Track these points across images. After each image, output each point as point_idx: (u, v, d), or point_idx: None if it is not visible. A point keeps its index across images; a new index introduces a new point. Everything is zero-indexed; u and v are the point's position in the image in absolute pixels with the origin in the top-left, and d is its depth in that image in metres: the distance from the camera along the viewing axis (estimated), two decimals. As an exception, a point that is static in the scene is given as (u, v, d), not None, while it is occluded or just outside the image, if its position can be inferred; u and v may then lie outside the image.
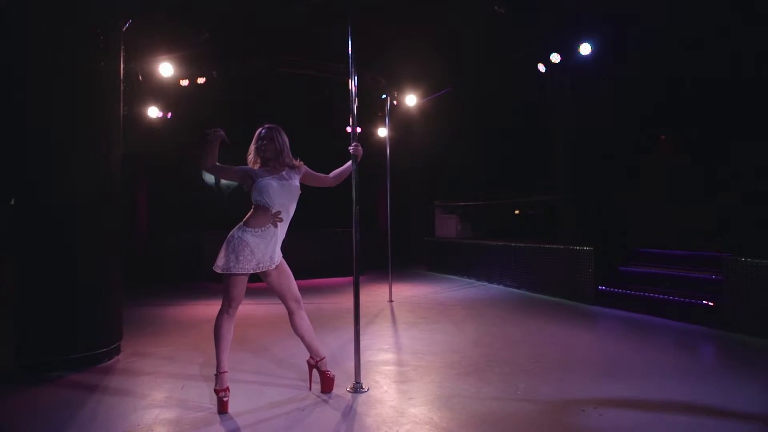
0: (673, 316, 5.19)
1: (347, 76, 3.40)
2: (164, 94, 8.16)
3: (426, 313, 5.80)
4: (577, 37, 6.26)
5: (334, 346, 4.30)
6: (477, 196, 9.69)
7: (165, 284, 8.46)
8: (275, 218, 2.92)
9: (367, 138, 11.37)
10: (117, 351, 4.00)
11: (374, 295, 7.20)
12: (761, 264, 4.45)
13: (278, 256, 3.02)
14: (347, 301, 6.74)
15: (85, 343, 3.68)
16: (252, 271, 2.90)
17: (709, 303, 4.94)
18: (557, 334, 4.74)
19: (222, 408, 2.81)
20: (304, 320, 3.14)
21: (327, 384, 3.14)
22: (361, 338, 3.38)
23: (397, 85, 9.02)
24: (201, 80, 7.51)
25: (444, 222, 10.10)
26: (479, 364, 3.74)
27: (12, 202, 8.75)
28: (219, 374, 2.87)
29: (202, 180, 11.88)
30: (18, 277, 3.66)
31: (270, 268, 2.96)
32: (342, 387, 3.23)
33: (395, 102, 9.37)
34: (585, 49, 6.16)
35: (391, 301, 6.64)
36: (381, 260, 10.63)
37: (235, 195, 12.13)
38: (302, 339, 3.16)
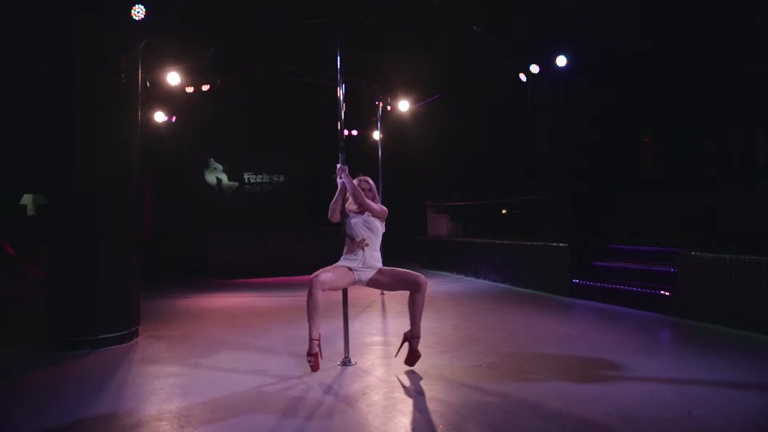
0: (637, 306, 5.71)
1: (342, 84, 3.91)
2: (170, 100, 8.66)
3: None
4: (553, 50, 6.80)
5: (326, 331, 4.81)
6: (466, 197, 10.22)
7: (172, 279, 8.96)
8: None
9: (362, 141, 11.92)
10: (136, 334, 4.51)
11: (367, 289, 7.69)
12: (708, 258, 4.97)
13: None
14: (340, 293, 7.23)
15: (109, 324, 4.20)
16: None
17: (666, 293, 5.46)
18: (530, 320, 5.26)
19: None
20: (415, 301, 3.60)
21: (411, 359, 3.56)
22: (353, 324, 3.91)
23: (390, 92, 9.54)
24: (205, 87, 8.03)
25: (435, 221, 10.62)
26: (455, 344, 4.27)
27: (29, 211, 9.28)
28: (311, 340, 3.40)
29: (204, 181, 12.40)
30: (50, 263, 4.18)
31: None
32: (333, 361, 3.75)
33: (389, 108, 9.88)
34: (561, 60, 6.70)
35: (382, 294, 7.15)
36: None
37: (237, 195, 12.67)
38: (409, 313, 3.65)
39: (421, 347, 4.12)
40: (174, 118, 9.94)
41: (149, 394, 3.11)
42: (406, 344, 3.66)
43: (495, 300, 6.59)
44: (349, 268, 3.56)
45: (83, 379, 3.44)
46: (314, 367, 3.37)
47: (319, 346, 3.42)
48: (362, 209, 3.66)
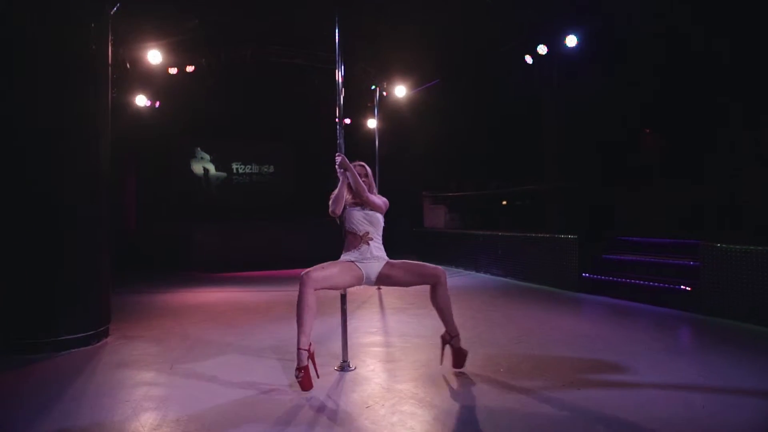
0: (653, 302, 5.33)
1: (335, 66, 3.45)
2: (152, 82, 8.12)
3: (413, 300, 5.88)
4: (563, 29, 6.35)
5: (320, 330, 4.37)
6: (465, 187, 9.79)
7: (153, 272, 8.44)
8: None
9: (356, 129, 11.43)
10: (105, 334, 4.03)
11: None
12: (735, 250, 4.58)
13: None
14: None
15: (73, 323, 3.70)
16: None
17: (687, 288, 5.08)
18: (540, 317, 4.86)
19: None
20: (439, 296, 3.17)
21: (458, 360, 3.18)
22: (350, 322, 3.46)
23: (386, 76, 9.06)
24: (190, 68, 7.48)
25: (432, 212, 10.19)
26: (464, 345, 3.83)
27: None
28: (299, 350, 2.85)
29: (190, 170, 11.85)
30: (1, 256, 3.66)
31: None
32: (329, 366, 3.30)
33: (385, 93, 9.41)
34: (571, 41, 6.26)
35: (379, 288, 6.71)
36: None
37: (224, 186, 12.13)
38: (438, 313, 3.23)
39: (426, 348, 3.71)
40: (157, 103, 9.39)
41: (115, 407, 2.64)
42: (448, 347, 3.27)
43: (499, 295, 6.19)
44: (352, 262, 3.09)
45: (35, 390, 2.96)
46: (305, 385, 2.77)
47: (311, 358, 2.88)
48: (362, 202, 3.23)
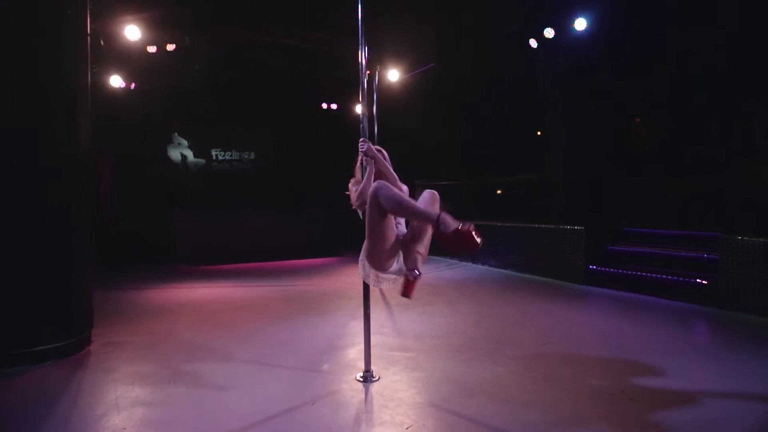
0: (665, 295, 5.17)
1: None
2: (129, 61, 7.50)
3: (417, 294, 5.54)
4: (570, 12, 6.05)
5: (330, 334, 4.02)
6: (459, 175, 9.50)
7: (135, 266, 7.90)
8: None
9: (344, 115, 10.99)
10: (88, 340, 3.58)
11: (359, 276, 6.91)
12: (757, 243, 4.43)
13: None
14: (330, 282, 6.46)
15: (50, 333, 3.25)
16: None
17: (703, 281, 4.93)
18: (556, 313, 4.62)
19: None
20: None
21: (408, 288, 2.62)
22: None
23: (379, 60, 8.63)
24: (171, 47, 6.89)
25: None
26: (488, 347, 3.55)
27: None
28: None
29: (168, 156, 11.21)
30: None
31: None
32: (349, 375, 2.97)
33: (377, 77, 8.99)
34: (580, 24, 5.97)
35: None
36: (360, 239, 10.37)
37: (203, 174, 11.53)
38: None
39: (446, 352, 3.42)
40: (133, 85, 8.74)
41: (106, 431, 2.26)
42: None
43: (505, 288, 5.94)
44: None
45: (6, 413, 2.53)
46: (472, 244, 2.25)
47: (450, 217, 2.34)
48: None
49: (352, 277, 6.84)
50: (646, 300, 5.17)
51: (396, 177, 2.85)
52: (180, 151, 11.43)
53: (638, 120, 7.26)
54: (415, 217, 2.49)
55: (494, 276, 6.87)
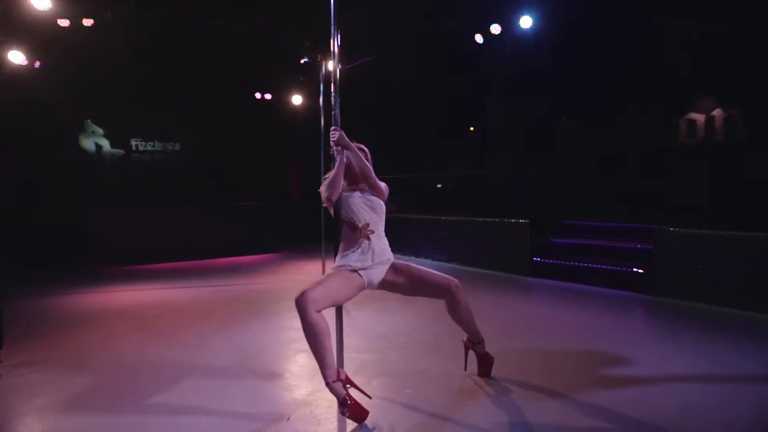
0: (604, 284, 5.44)
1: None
2: (34, 35, 6.58)
3: (369, 291, 5.43)
4: (516, 10, 6.16)
5: (286, 333, 3.75)
6: (397, 170, 9.45)
7: (42, 269, 7.00)
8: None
9: (281, 105, 10.51)
10: None
11: (305, 273, 6.64)
12: (688, 234, 4.75)
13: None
14: (275, 281, 6.12)
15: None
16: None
17: (639, 271, 5.23)
18: (512, 306, 4.68)
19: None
20: (458, 310, 2.82)
21: (485, 367, 2.88)
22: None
23: (321, 49, 8.31)
24: (88, 22, 6.12)
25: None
26: (456, 344, 3.48)
27: None
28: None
29: (79, 147, 10.09)
30: None
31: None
32: (321, 382, 2.74)
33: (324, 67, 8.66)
34: (525, 22, 6.08)
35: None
36: (297, 234, 10.00)
37: (121, 165, 10.53)
38: (458, 324, 2.88)
39: (417, 351, 3.32)
40: (37, 63, 7.72)
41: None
42: (472, 353, 2.97)
43: (454, 283, 5.95)
44: (353, 270, 2.54)
45: None
46: (359, 415, 2.30)
47: (348, 383, 2.37)
48: (357, 184, 2.69)
49: (296, 275, 6.54)
50: (589, 289, 5.40)
51: (371, 169, 2.67)
52: (94, 140, 10.35)
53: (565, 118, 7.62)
54: (315, 355, 2.32)
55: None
